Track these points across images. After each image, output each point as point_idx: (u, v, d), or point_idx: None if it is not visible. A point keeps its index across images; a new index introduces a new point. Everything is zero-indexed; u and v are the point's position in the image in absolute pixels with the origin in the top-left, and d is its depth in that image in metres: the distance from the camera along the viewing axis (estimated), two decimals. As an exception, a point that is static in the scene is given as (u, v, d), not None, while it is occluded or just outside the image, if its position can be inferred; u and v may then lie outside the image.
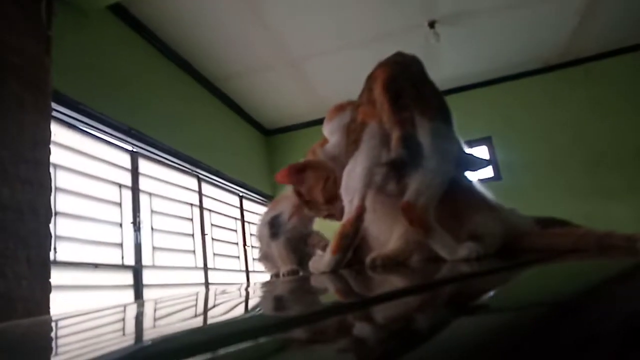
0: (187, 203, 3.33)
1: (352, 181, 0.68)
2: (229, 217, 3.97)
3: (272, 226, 1.02)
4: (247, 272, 4.05)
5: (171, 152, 3.14)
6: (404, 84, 0.66)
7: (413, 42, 3.60)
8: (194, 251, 3.27)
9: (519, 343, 0.23)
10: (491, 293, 0.37)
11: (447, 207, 0.65)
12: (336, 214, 0.88)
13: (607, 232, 0.61)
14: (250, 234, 4.29)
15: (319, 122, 4.08)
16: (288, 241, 1.00)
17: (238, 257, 3.99)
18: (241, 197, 4.29)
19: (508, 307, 0.32)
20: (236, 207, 4.18)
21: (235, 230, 4.05)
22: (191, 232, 3.29)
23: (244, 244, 4.12)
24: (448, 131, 0.68)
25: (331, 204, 0.88)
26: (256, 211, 4.53)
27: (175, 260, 3.04)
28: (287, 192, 0.99)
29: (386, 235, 0.72)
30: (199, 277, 3.26)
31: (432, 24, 3.38)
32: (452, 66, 3.98)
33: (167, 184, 3.13)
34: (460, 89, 4.19)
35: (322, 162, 0.91)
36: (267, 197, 4.74)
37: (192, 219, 3.34)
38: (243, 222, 4.21)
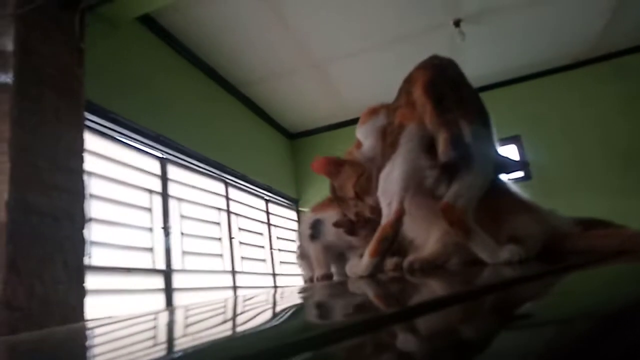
0: (214, 207, 3.37)
1: (390, 184, 0.68)
2: (255, 221, 4.00)
3: (313, 228, 1.03)
4: (274, 275, 4.07)
5: (199, 158, 3.19)
6: (444, 86, 0.65)
7: (438, 42, 3.56)
8: (221, 255, 3.31)
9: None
10: (541, 301, 0.36)
11: (486, 210, 0.64)
12: (364, 211, 0.88)
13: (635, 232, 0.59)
14: (277, 237, 4.32)
15: (343, 124, 4.12)
16: (327, 246, 1.00)
17: (265, 261, 4.02)
18: (267, 201, 4.32)
19: (558, 317, 0.31)
20: (262, 210, 4.21)
21: (262, 234, 4.08)
22: (219, 236, 3.33)
23: (271, 247, 4.15)
24: (487, 134, 0.67)
25: (360, 200, 0.88)
26: (282, 214, 4.56)
27: (204, 264, 3.08)
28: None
29: (422, 238, 0.71)
30: (227, 280, 3.29)
31: (457, 23, 3.33)
32: (478, 65, 3.91)
33: (195, 189, 3.18)
34: (487, 88, 4.12)
35: (359, 160, 0.91)
36: (292, 201, 4.77)
37: (219, 223, 3.38)
38: (269, 225, 4.24)
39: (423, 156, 0.64)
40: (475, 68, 3.94)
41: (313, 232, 1.01)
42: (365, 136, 0.90)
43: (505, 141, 4.05)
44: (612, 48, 3.87)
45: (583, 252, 0.63)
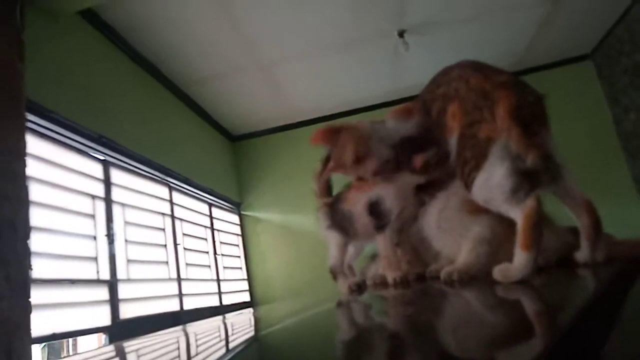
0: (159, 213, 3.23)
1: (495, 187, 0.71)
2: (199, 226, 3.88)
3: (376, 214, 0.92)
4: (219, 281, 3.97)
5: (142, 160, 3.04)
6: (531, 112, 0.72)
7: (382, 50, 3.70)
8: (167, 262, 3.17)
9: None
10: None
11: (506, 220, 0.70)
12: (365, 175, 0.89)
13: None
14: (221, 242, 4.22)
15: (287, 127, 4.18)
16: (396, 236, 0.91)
17: (209, 267, 3.91)
18: (210, 205, 4.21)
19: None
20: (206, 215, 4.09)
21: (206, 239, 3.97)
22: (164, 243, 3.19)
23: (215, 253, 4.05)
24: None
25: (360, 164, 0.89)
26: (225, 219, 4.46)
27: (150, 272, 2.94)
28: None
29: (452, 249, 0.75)
30: (173, 288, 3.16)
31: (401, 34, 3.48)
32: (419, 73, 4.10)
33: (139, 193, 3.03)
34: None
35: (357, 123, 0.93)
36: (235, 205, 4.68)
37: (164, 229, 3.24)
38: (213, 230, 4.13)
39: (511, 166, 0.69)
40: (417, 77, 4.14)
41: (378, 219, 0.91)
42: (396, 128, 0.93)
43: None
44: (534, 63, 4.25)
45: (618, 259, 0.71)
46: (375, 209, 0.90)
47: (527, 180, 0.64)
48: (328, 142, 0.93)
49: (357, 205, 0.95)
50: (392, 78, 4.23)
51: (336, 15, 3.21)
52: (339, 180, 1.13)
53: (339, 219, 0.97)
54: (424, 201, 0.86)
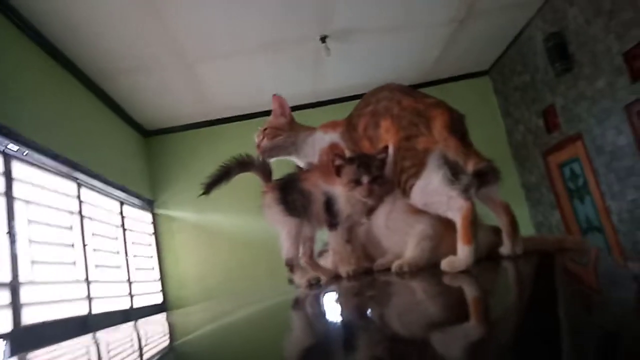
0: (66, 211, 2.99)
1: (434, 191, 0.81)
2: (109, 225, 3.66)
3: (329, 212, 0.95)
4: (130, 283, 3.77)
5: (49, 154, 2.80)
6: (462, 126, 0.84)
7: (304, 53, 3.79)
8: (74, 263, 2.96)
9: None
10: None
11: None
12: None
13: (562, 236, 0.84)
14: (132, 242, 4.01)
15: (204, 125, 4.14)
16: (348, 233, 0.96)
17: (119, 267, 3.70)
18: (122, 203, 3.98)
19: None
20: (117, 213, 3.87)
21: (116, 239, 3.76)
22: (71, 243, 2.97)
23: (126, 253, 3.84)
24: None
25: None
26: (137, 217, 4.25)
27: (56, 274, 2.72)
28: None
29: (399, 246, 0.86)
30: (81, 291, 2.96)
31: (323, 39, 3.60)
32: (338, 79, 4.28)
33: (44, 189, 2.79)
34: (345, 99, 4.49)
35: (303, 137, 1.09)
36: (147, 202, 4.48)
37: (72, 228, 3.01)
38: (124, 229, 3.92)
39: (449, 172, 0.78)
40: (336, 81, 4.31)
41: (331, 215, 0.94)
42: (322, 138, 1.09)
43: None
44: (441, 75, 4.63)
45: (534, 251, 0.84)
46: (329, 206, 0.95)
47: (475, 180, 0.75)
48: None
49: (318, 187, 0.97)
50: (313, 81, 4.34)
51: (262, 16, 3.23)
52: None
53: (292, 200, 0.97)
54: (371, 210, 0.94)
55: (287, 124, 1.21)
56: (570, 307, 0.41)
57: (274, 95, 1.25)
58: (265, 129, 1.19)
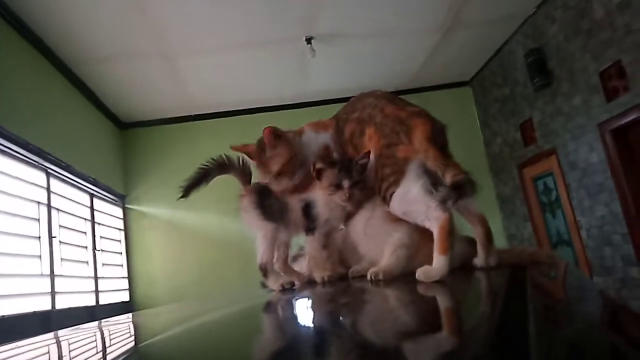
0: (33, 201, 2.89)
1: (414, 200, 0.81)
2: (78, 218, 3.55)
3: (307, 216, 0.95)
4: (97, 278, 3.67)
5: (16, 141, 2.70)
6: (441, 136, 0.83)
7: (289, 53, 3.77)
8: (40, 256, 2.85)
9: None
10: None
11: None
12: (278, 189, 0.96)
13: (535, 250, 0.85)
14: (101, 237, 3.91)
15: (182, 119, 4.07)
16: (326, 238, 0.95)
17: (87, 263, 3.60)
18: (92, 196, 3.88)
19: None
20: (86, 206, 3.76)
21: (85, 232, 3.65)
22: (37, 235, 2.87)
23: (94, 248, 3.73)
24: None
25: (279, 180, 0.96)
26: (107, 211, 4.14)
27: (19, 266, 2.62)
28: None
29: (375, 253, 0.86)
30: (45, 285, 2.85)
31: (309, 40, 3.59)
32: (322, 81, 4.27)
33: (10, 177, 2.68)
34: (328, 102, 4.47)
35: (294, 140, 0.97)
36: (119, 197, 4.37)
37: (39, 220, 2.91)
38: (93, 223, 3.81)
39: (429, 182, 0.77)
40: (320, 83, 4.30)
41: (309, 221, 0.94)
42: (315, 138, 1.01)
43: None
44: (423, 83, 4.67)
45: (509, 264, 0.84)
46: (307, 211, 0.94)
47: (453, 192, 0.74)
48: (268, 144, 0.96)
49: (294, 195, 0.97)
50: (297, 82, 4.32)
51: (249, 14, 3.20)
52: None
53: (269, 204, 0.96)
54: (349, 216, 0.94)
55: (286, 145, 1.03)
56: (538, 319, 0.41)
57: (265, 128, 1.02)
58: (278, 174, 0.99)
